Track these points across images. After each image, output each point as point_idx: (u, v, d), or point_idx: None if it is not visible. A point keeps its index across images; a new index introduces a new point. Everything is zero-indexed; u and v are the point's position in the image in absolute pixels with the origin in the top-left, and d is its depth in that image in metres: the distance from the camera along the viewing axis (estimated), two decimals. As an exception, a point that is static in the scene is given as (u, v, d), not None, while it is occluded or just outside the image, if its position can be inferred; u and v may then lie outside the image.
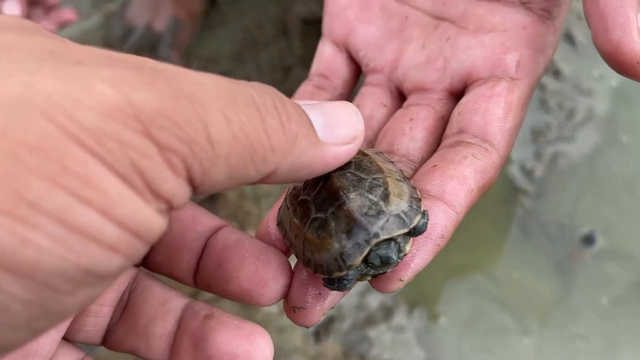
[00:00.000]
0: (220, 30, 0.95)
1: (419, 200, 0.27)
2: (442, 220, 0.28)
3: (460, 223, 0.29)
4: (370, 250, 0.25)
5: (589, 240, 0.78)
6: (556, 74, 0.93)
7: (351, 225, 0.25)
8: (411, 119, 0.33)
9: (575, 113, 0.90)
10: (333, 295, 0.28)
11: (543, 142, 0.88)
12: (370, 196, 0.25)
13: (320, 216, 0.26)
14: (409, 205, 0.26)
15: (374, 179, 0.26)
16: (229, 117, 0.19)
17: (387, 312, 0.76)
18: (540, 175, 0.85)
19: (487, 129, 0.30)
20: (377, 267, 0.26)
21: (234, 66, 0.91)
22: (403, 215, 0.25)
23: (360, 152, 0.28)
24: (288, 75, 0.94)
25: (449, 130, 0.31)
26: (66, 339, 0.29)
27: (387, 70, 0.36)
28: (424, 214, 0.26)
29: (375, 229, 0.25)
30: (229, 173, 0.20)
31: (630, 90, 0.91)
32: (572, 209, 0.82)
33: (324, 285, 0.27)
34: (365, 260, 0.25)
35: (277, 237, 0.30)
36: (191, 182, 0.19)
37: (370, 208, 0.25)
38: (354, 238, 0.25)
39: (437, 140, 0.32)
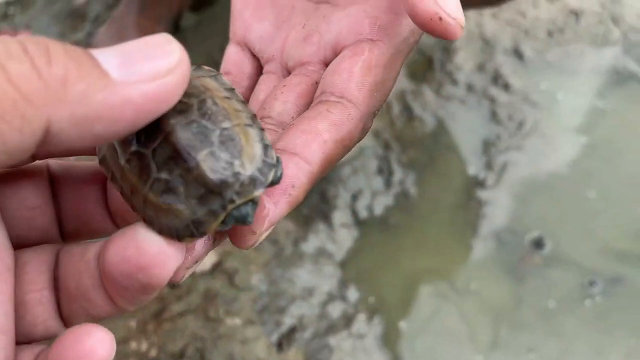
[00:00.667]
0: (183, 55, 0.98)
1: (270, 147, 0.25)
2: (292, 171, 0.27)
3: (318, 177, 0.28)
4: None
5: (538, 244, 0.82)
6: (506, 87, 0.98)
7: (203, 191, 0.23)
8: (284, 85, 0.35)
9: (525, 124, 0.94)
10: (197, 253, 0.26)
11: (494, 152, 0.92)
12: (223, 154, 0.23)
13: (164, 177, 0.23)
14: (263, 160, 0.24)
15: (224, 129, 0.23)
16: None
17: (347, 320, 0.78)
18: (492, 184, 0.89)
19: (345, 86, 0.31)
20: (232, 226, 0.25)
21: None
22: (258, 174, 0.23)
23: (200, 85, 0.25)
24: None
25: (316, 94, 0.34)
26: (25, 342, 0.27)
27: (277, 57, 0.38)
28: (278, 163, 0.25)
29: (230, 194, 0.23)
30: None
31: (573, 102, 0.96)
32: (523, 215, 0.86)
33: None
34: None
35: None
36: None
37: (224, 170, 0.23)
38: (207, 205, 0.23)
39: (309, 104, 0.33)
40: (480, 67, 1.00)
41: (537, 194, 0.87)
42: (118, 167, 0.25)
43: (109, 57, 0.22)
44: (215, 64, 1.00)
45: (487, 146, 0.92)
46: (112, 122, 0.20)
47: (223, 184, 0.23)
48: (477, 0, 0.82)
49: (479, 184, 0.89)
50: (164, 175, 0.23)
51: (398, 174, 0.89)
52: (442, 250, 0.84)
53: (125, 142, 0.24)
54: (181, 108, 0.23)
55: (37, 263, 0.27)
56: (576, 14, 1.05)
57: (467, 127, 0.95)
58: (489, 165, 0.90)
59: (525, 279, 0.81)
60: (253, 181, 0.23)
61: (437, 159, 0.92)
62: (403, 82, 0.98)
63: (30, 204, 0.29)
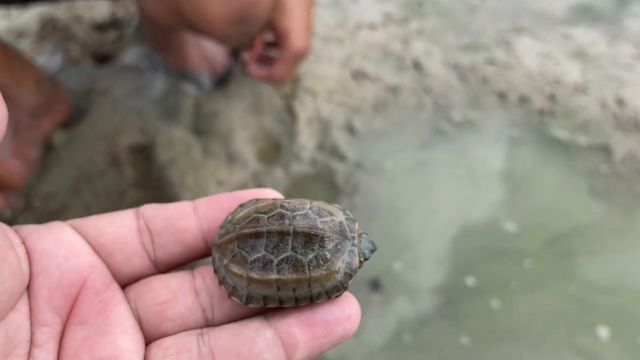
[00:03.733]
0: (57, 169, 1.10)
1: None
2: None
3: None
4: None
5: (375, 285, 0.97)
6: (342, 158, 1.16)
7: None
8: None
9: (359, 186, 1.12)
10: None
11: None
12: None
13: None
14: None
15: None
16: None
17: None
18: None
19: None
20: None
21: (71, 198, 1.07)
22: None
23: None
24: (124, 198, 1.11)
25: None
26: None
27: None
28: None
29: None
30: None
31: (399, 169, 1.15)
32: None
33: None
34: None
35: None
36: None
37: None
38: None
39: None
40: (321, 144, 1.18)
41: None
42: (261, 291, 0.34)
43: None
44: (87, 174, 1.12)
45: (330, 209, 1.09)
46: None
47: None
48: None
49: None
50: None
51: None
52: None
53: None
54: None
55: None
56: (394, 89, 1.27)
57: (312, 196, 1.11)
58: (332, 225, 1.06)
59: (369, 317, 0.95)
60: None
61: (290, 226, 1.07)
62: (256, 166, 1.14)
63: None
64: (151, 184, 1.11)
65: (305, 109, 1.22)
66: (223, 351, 0.32)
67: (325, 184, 1.13)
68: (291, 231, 0.33)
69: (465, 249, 1.01)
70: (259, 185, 1.11)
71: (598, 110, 1.18)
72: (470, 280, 0.98)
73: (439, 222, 1.06)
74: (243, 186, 1.11)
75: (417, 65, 1.30)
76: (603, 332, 0.91)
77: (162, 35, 1.20)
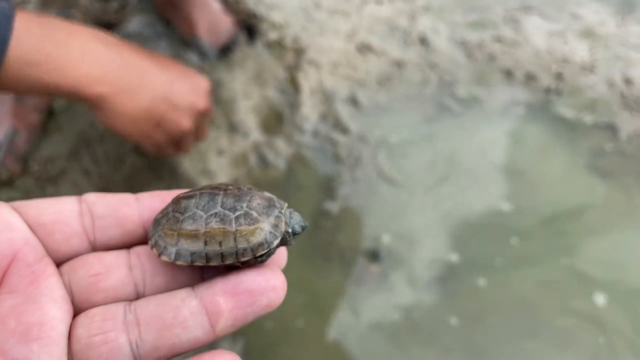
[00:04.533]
0: (56, 134, 1.09)
1: None
2: None
3: None
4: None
5: (374, 255, 0.97)
6: (345, 131, 1.15)
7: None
8: None
9: (361, 160, 1.11)
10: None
11: (336, 185, 1.08)
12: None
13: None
14: None
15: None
16: None
17: (211, 343, 0.88)
18: (336, 212, 1.04)
19: None
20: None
21: (70, 163, 1.06)
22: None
23: None
24: (123, 164, 1.10)
25: None
26: None
27: None
28: None
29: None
30: None
31: (402, 143, 1.14)
32: (362, 235, 1.01)
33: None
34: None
35: None
36: None
37: None
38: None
39: None
40: (323, 116, 1.17)
41: (373, 217, 1.03)
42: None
43: None
44: (86, 138, 1.11)
45: (331, 181, 1.08)
46: None
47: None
48: None
49: (325, 213, 1.03)
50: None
51: (255, 214, 1.02)
52: (297, 277, 0.97)
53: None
54: None
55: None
56: (400, 64, 1.25)
57: (314, 168, 1.10)
58: (333, 197, 1.05)
59: (366, 288, 0.94)
60: None
61: (290, 197, 1.06)
62: (257, 136, 1.13)
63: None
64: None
65: (308, 81, 1.20)
66: (148, 318, 0.33)
67: (327, 156, 1.12)
68: (221, 193, 0.36)
69: (461, 227, 1.01)
70: (261, 156, 1.10)
71: (605, 89, 1.16)
72: (459, 257, 0.97)
73: (438, 199, 1.05)
74: (244, 156, 1.10)
75: (423, 41, 1.28)
76: (599, 299, 0.91)
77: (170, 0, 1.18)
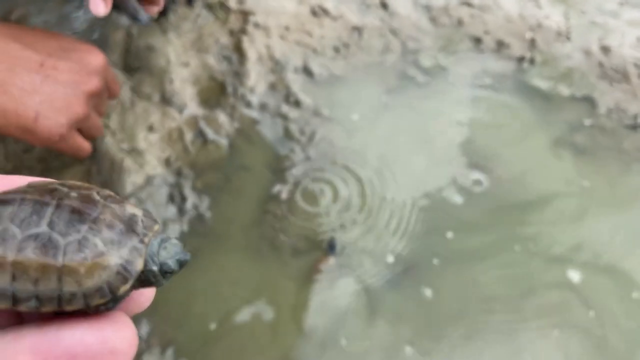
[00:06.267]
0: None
1: None
2: None
3: None
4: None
5: (331, 246, 0.84)
6: (297, 103, 1.01)
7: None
8: None
9: (315, 136, 0.97)
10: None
11: (289, 165, 0.94)
12: None
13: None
14: None
15: None
16: None
17: (136, 357, 0.74)
18: (287, 197, 0.91)
19: None
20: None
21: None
22: None
23: None
24: (31, 152, 0.93)
25: None
26: None
27: None
28: None
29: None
30: None
31: (360, 118, 1.01)
32: (317, 223, 0.88)
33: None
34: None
35: None
36: None
37: None
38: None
39: None
40: (272, 87, 1.03)
41: (329, 200, 0.90)
42: None
43: None
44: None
45: (281, 162, 0.94)
46: None
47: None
48: None
49: (274, 197, 0.90)
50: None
51: (192, 200, 0.88)
52: (239, 271, 0.83)
53: None
54: None
55: None
56: (359, 29, 1.12)
57: (261, 145, 0.96)
58: (283, 180, 0.92)
59: (320, 282, 0.82)
60: None
61: (233, 179, 0.92)
62: (195, 109, 0.98)
63: None
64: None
65: (255, 47, 1.05)
66: None
67: (277, 133, 0.98)
68: (54, 203, 0.24)
69: (423, 212, 0.89)
70: (199, 132, 0.96)
71: (582, 58, 1.06)
72: (398, 257, 0.86)
73: (397, 180, 0.93)
74: (179, 132, 0.95)
75: (384, 4, 1.15)
76: (575, 275, 0.82)
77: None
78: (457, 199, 0.92)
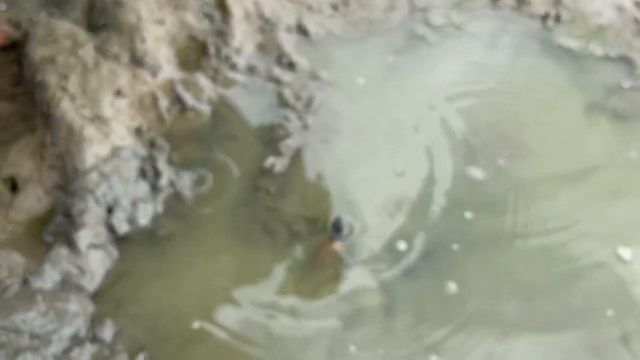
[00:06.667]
0: None
1: None
2: None
3: None
4: None
5: (337, 229, 0.70)
6: (291, 66, 0.87)
7: None
8: None
9: (313, 102, 0.83)
10: None
11: (283, 136, 0.80)
12: None
13: None
14: None
15: None
16: None
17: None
18: (282, 171, 0.76)
19: None
20: None
21: None
22: None
23: None
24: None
25: None
26: None
27: None
28: None
29: None
30: None
31: (365, 81, 0.87)
32: (317, 202, 0.74)
33: None
34: None
35: None
36: None
37: None
38: None
39: None
40: (262, 49, 0.89)
41: (330, 175, 0.76)
42: None
43: None
44: None
45: (274, 131, 0.80)
46: None
47: None
48: None
49: (266, 172, 0.76)
50: None
51: (168, 176, 0.73)
52: (228, 256, 0.69)
53: None
54: None
55: None
56: (360, -15, 0.98)
57: (251, 113, 0.82)
58: (276, 151, 0.78)
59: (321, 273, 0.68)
60: None
61: (218, 152, 0.77)
62: (172, 72, 0.83)
63: None
64: (21, 93, 0.80)
65: (242, 4, 0.91)
66: None
67: (268, 99, 0.84)
68: None
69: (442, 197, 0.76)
70: (176, 98, 0.81)
71: (615, 15, 0.94)
72: (412, 243, 0.72)
73: (408, 151, 0.79)
74: (153, 98, 0.80)
75: (387, -42, 1.01)
76: (626, 252, 0.69)
77: None
78: (477, 173, 0.78)
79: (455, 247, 0.73)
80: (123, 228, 0.67)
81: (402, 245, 0.72)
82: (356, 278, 0.69)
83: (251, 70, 0.85)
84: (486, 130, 0.84)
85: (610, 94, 0.87)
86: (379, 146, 0.80)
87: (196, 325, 0.64)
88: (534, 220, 0.76)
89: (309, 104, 0.83)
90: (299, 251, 0.70)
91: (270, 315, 0.66)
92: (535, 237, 0.75)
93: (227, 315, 0.66)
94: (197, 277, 0.66)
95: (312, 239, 0.71)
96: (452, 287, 0.69)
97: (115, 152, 0.72)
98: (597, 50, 0.91)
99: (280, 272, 0.68)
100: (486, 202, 0.77)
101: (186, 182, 0.73)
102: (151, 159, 0.74)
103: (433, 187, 0.77)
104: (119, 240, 0.67)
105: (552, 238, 0.74)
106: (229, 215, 0.72)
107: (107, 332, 0.61)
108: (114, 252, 0.66)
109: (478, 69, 0.90)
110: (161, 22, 0.87)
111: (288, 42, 0.89)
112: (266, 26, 0.91)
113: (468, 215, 0.76)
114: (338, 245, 0.69)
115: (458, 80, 0.89)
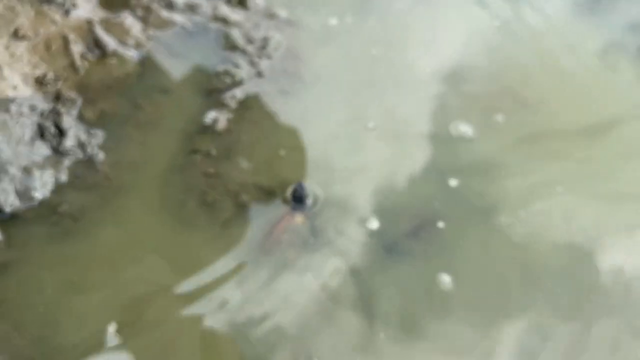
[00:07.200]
0: None
1: None
2: None
3: None
4: None
5: (298, 198, 0.53)
6: (241, 2, 0.70)
7: None
8: None
9: (268, 44, 0.67)
10: None
11: (230, 84, 0.63)
12: None
13: None
14: None
15: None
16: None
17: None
18: (226, 127, 0.60)
19: None
20: None
21: None
22: None
23: None
24: None
25: None
26: None
27: None
28: None
29: None
30: None
31: (333, 21, 0.71)
32: (272, 164, 0.58)
33: None
34: None
35: None
36: None
37: None
38: None
39: None
40: (206, -17, 0.72)
41: (289, 133, 0.60)
42: None
43: None
44: None
45: (218, 78, 0.63)
46: None
47: None
48: None
49: (206, 130, 0.59)
50: None
51: (75, 135, 0.57)
52: (153, 240, 0.53)
53: None
54: None
55: None
56: None
57: (189, 60, 0.65)
58: (219, 104, 0.61)
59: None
60: None
61: (145, 106, 0.61)
62: (90, 11, 0.66)
63: None
64: None
65: None
66: None
67: (212, 42, 0.67)
68: None
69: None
70: (94, 41, 0.64)
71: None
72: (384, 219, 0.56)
73: (389, 100, 0.63)
74: (63, 41, 0.64)
75: None
76: None
77: None
78: (466, 129, 0.63)
79: (440, 224, 0.57)
80: (10, 203, 0.50)
81: (374, 223, 0.56)
82: (322, 264, 0.54)
83: (191, 8, 0.69)
84: (484, 78, 0.68)
85: (632, 31, 0.72)
86: (349, 98, 0.64)
87: (110, 329, 0.48)
88: (539, 183, 0.61)
89: (263, 46, 0.67)
90: (246, 229, 0.54)
91: (208, 316, 0.50)
92: (540, 202, 0.59)
93: (151, 317, 0.49)
94: (110, 267, 0.50)
95: (264, 212, 0.55)
96: (445, 279, 0.54)
97: (3, 104, 0.55)
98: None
99: (221, 257, 0.52)
100: (478, 164, 0.62)
101: (100, 143, 0.56)
102: (53, 114, 0.57)
103: (411, 144, 0.61)
104: (5, 220, 0.51)
105: (561, 205, 0.59)
106: (155, 185, 0.56)
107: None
108: (-3, 236, 0.49)
109: (473, 3, 0.74)
110: (78, -49, 0.69)
111: (238, -25, 0.73)
112: (211, -43, 0.74)
113: (452, 182, 0.60)
114: (300, 219, 0.53)
115: (450, 18, 0.73)
